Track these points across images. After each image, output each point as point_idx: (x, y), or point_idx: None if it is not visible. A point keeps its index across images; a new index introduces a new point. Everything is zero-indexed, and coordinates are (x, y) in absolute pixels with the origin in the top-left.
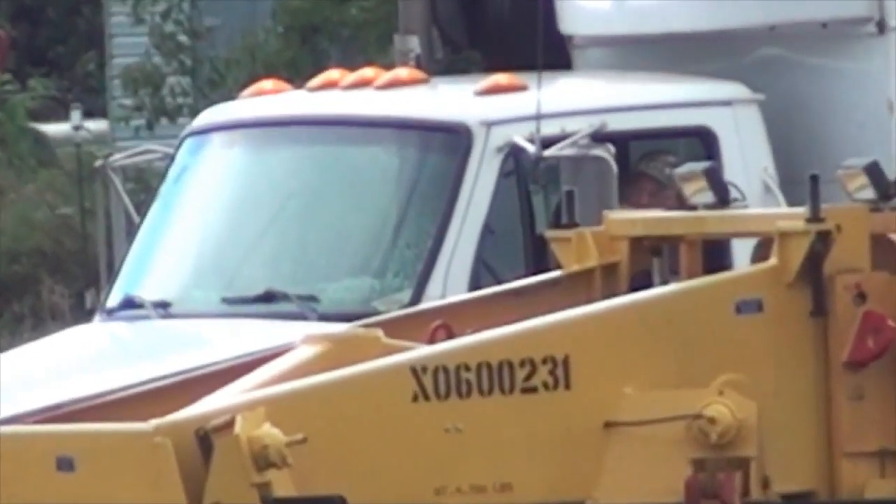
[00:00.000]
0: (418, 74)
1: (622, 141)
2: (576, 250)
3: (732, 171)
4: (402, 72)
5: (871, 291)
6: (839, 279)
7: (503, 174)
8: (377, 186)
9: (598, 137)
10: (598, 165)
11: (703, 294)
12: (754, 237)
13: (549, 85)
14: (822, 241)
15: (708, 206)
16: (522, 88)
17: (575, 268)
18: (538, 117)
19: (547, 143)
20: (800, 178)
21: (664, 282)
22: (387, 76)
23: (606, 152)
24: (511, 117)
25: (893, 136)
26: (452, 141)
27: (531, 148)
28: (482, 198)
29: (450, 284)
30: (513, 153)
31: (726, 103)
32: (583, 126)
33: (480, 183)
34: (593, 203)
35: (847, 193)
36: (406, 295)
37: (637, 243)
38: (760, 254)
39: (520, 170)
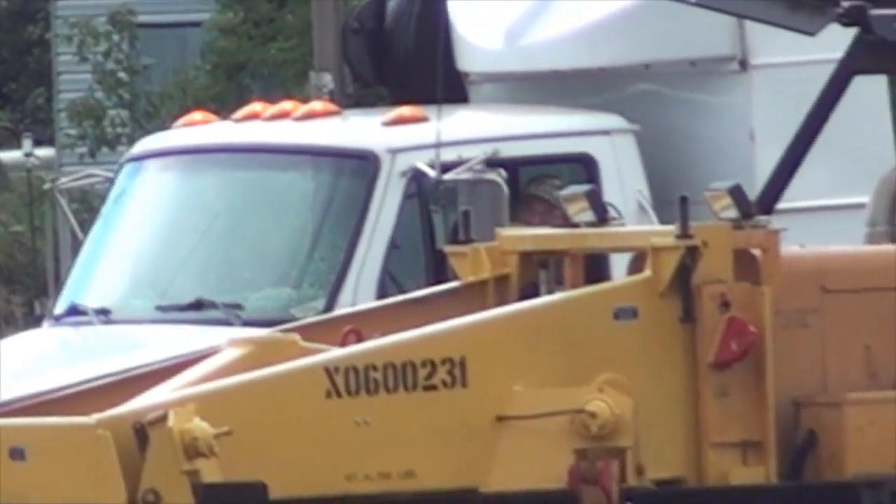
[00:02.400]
0: (331, 107)
1: (513, 166)
2: (471, 263)
3: (611, 193)
4: (316, 105)
5: (734, 300)
6: (706, 289)
7: (407, 196)
8: (294, 207)
9: (492, 163)
10: (491, 188)
11: (585, 302)
12: (630, 252)
13: (447, 116)
14: (691, 256)
15: (589, 225)
16: (424, 119)
17: (471, 279)
18: (438, 145)
19: (446, 168)
20: (671, 199)
21: (550, 291)
22: (303, 109)
23: (499, 176)
24: (414, 145)
25: (754, 162)
26: (361, 166)
27: (432, 172)
28: (388, 217)
29: (359, 294)
30: (415, 177)
31: (606, 133)
32: (478, 153)
33: (386, 204)
34: (487, 222)
35: (713, 213)
36: (320, 303)
37: (526, 257)
38: (635, 267)
39: (421, 192)
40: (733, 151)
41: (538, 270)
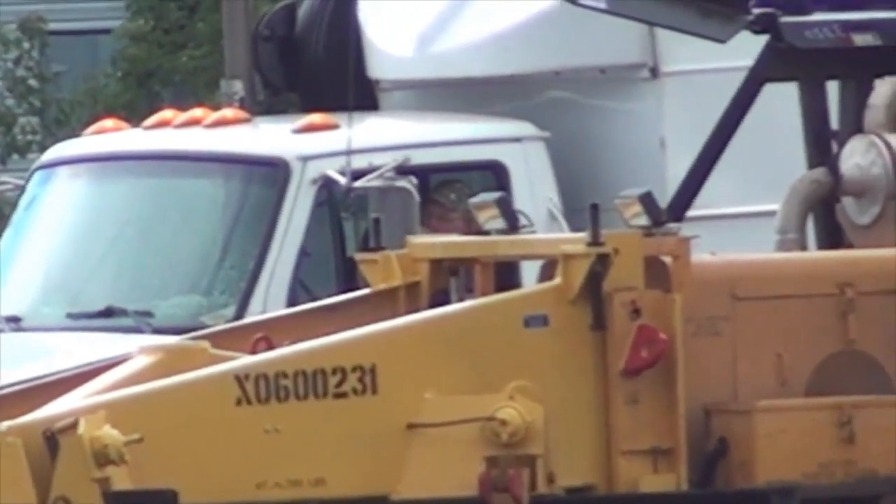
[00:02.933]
0: (242, 114)
1: (423, 174)
2: (382, 271)
3: (521, 200)
4: (227, 112)
5: (645, 307)
6: (616, 296)
7: (317, 203)
8: (205, 214)
9: (402, 170)
10: (401, 196)
11: (496, 310)
12: (541, 259)
13: (358, 124)
14: (602, 263)
15: (500, 232)
16: (335, 127)
17: (381, 286)
18: (349, 152)
19: (357, 175)
20: (582, 206)
21: (460, 299)
22: (214, 116)
23: (409, 184)
24: (324, 152)
25: (665, 170)
26: (272, 174)
27: (342, 180)
28: (298, 224)
29: (270, 301)
30: (326, 185)
31: (516, 140)
32: (388, 160)
33: (297, 211)
34: (397, 229)
35: (624, 220)
36: (231, 310)
37: (437, 265)
38: (546, 274)
39: (332, 199)
40: (644, 159)
41: (449, 278)
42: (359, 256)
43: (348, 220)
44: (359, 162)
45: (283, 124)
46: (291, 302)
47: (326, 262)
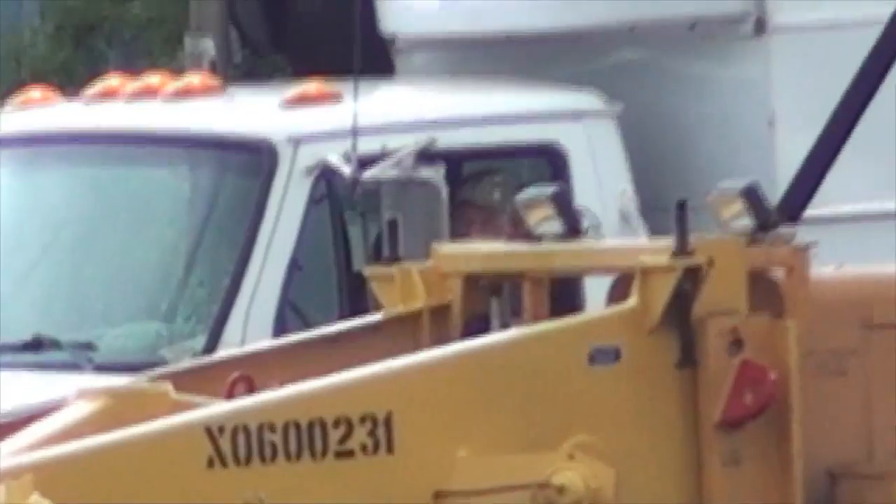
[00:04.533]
0: (213, 82)
1: (454, 160)
2: (399, 289)
3: (585, 195)
4: (194, 79)
5: (748, 338)
6: (711, 323)
7: (314, 199)
8: (165, 215)
9: (426, 156)
10: (425, 190)
11: (551, 341)
12: (610, 273)
13: (367, 94)
14: (691, 279)
15: (556, 238)
16: (336, 98)
17: (399, 310)
18: (355, 133)
19: (365, 162)
20: (664, 204)
21: (504, 326)
22: (176, 84)
23: (436, 174)
24: (323, 132)
25: (774, 155)
26: (254, 161)
27: (347, 169)
28: (289, 227)
29: (251, 329)
30: (325, 175)
31: (577, 116)
32: (408, 143)
33: (287, 209)
34: (420, 234)
35: (720, 223)
36: (199, 341)
37: (472, 281)
38: (618, 293)
39: (333, 194)
40: (747, 140)
41: (488, 298)
42: (369, 270)
43: (355, 221)
44: (369, 145)
45: (267, 95)
46: (279, 330)
47: (326, 276)
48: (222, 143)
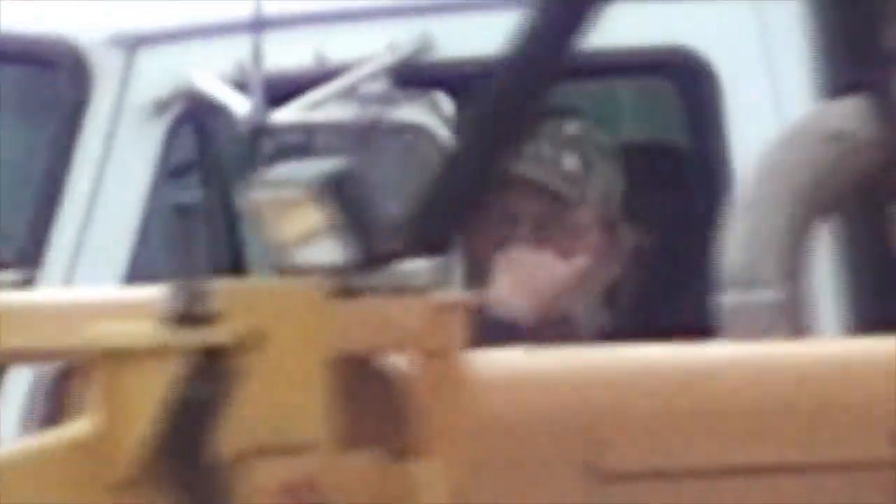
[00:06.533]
0: None
1: (469, 84)
2: None
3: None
4: None
5: (332, 490)
6: (257, 464)
7: (168, 164)
8: None
9: (411, 78)
10: (409, 144)
11: None
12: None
13: None
14: (207, 372)
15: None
16: None
17: None
18: (258, 27)
19: (281, 95)
20: None
21: None
22: None
23: (434, 113)
24: (183, 30)
25: None
26: (47, 80)
27: (241, 105)
28: (122, 219)
29: None
30: (192, 115)
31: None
32: (375, 51)
33: (115, 176)
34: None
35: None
36: None
37: None
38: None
39: (210, 152)
40: None
41: None
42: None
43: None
44: (288, 57)
45: None
46: None
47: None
48: (17, 45)
